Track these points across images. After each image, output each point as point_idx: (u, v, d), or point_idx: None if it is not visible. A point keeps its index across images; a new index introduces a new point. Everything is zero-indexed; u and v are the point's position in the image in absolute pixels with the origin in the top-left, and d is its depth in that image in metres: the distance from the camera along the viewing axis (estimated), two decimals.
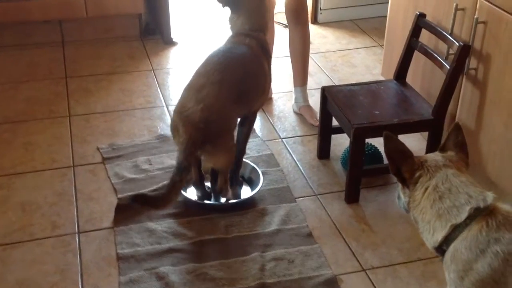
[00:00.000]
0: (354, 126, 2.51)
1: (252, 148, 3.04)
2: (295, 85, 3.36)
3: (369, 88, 2.80)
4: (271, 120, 3.31)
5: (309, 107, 3.31)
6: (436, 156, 1.72)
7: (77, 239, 2.44)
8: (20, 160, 2.91)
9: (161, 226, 2.50)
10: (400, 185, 1.76)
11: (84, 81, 3.65)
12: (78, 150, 2.99)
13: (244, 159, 2.80)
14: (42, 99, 3.43)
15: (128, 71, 3.78)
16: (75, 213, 2.57)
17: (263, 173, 2.82)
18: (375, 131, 2.56)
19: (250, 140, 3.07)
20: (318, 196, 2.72)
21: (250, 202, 2.64)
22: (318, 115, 3.07)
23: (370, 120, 2.55)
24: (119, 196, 2.62)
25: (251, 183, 2.76)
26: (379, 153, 2.83)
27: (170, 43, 4.13)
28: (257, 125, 3.26)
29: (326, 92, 2.78)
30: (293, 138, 3.15)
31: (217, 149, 2.38)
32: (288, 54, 3.39)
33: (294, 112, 3.38)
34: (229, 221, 2.53)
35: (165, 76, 3.74)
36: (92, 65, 3.83)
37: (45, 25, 4.03)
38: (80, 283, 2.25)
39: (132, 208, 2.56)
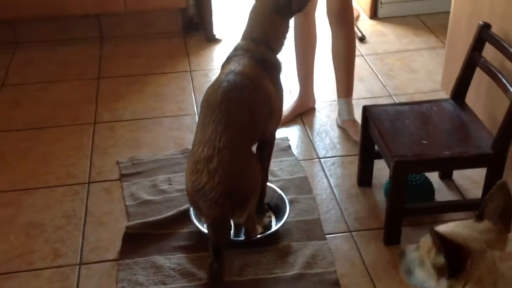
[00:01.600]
0: (395, 158, 2.13)
1: (284, 169, 2.71)
2: (338, 96, 2.99)
3: (419, 109, 2.40)
4: (310, 135, 2.96)
5: (354, 121, 2.94)
6: (472, 232, 1.34)
7: (77, 272, 2.21)
8: (35, 173, 2.71)
9: (170, 261, 2.23)
10: (435, 275, 1.38)
11: (116, 82, 3.43)
12: (97, 164, 2.77)
13: (271, 184, 2.50)
14: (69, 103, 3.23)
15: (164, 72, 3.53)
16: (81, 240, 2.35)
17: (293, 201, 2.50)
18: (420, 166, 2.18)
19: (283, 159, 2.78)
20: (352, 233, 2.37)
21: (273, 237, 2.33)
22: None
23: (415, 151, 2.17)
24: (128, 224, 2.37)
25: (278, 211, 2.45)
26: (430, 184, 2.44)
27: (212, 40, 3.84)
28: (294, 140, 2.92)
29: (368, 113, 2.41)
30: (332, 159, 2.80)
31: (247, 208, 2.13)
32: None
33: (338, 126, 3.02)
34: (246, 260, 2.23)
35: (202, 79, 3.45)
36: (127, 65, 3.60)
37: (83, 20, 3.83)
38: None
39: (140, 238, 2.32)
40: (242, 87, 2.09)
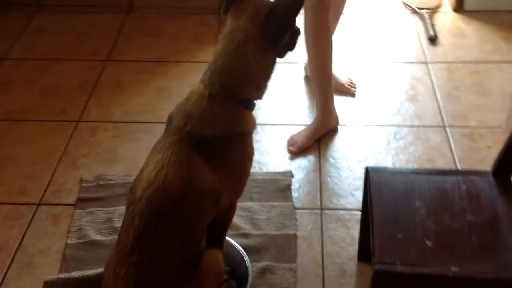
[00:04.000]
0: (376, 265, 1.51)
1: (272, 219, 2.14)
2: None
3: (441, 184, 1.72)
4: (321, 171, 2.34)
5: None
6: None
7: None
8: None
9: None
10: None
11: (123, 68, 2.96)
12: (58, 178, 2.34)
13: (239, 247, 1.96)
14: (61, 91, 2.81)
15: (181, 61, 3.00)
16: None
17: (265, 271, 1.96)
18: (412, 282, 1.53)
19: (276, 204, 2.23)
20: None
21: None
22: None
23: (409, 258, 1.52)
24: (47, 278, 1.93)
25: (243, 282, 1.91)
26: None
27: None
28: (300, 176, 2.32)
29: (371, 177, 1.77)
30: (338, 212, 2.18)
31: None
32: None
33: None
34: None
35: None
36: (145, 46, 3.11)
37: None
38: None
39: None
40: (161, 221, 1.49)
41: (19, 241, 2.10)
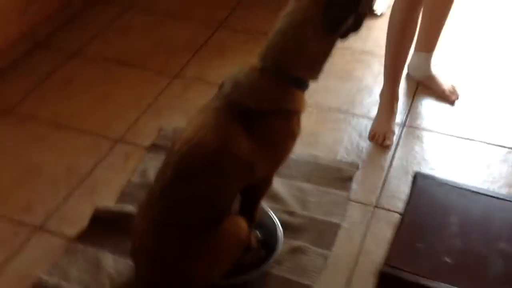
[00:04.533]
0: (384, 268, 1.48)
1: (322, 205, 2.14)
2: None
3: (487, 206, 1.63)
4: (392, 171, 2.26)
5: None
6: None
7: (28, 235, 2.04)
8: (82, 110, 2.57)
9: (114, 264, 1.92)
10: None
11: (232, 36, 3.07)
12: (141, 123, 2.51)
13: (276, 219, 1.98)
14: (170, 45, 2.99)
15: None
16: (60, 201, 2.15)
17: (297, 250, 1.98)
18: None
19: (331, 191, 2.22)
20: None
21: None
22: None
23: (419, 269, 1.47)
24: (98, 206, 2.10)
25: (271, 250, 1.94)
26: None
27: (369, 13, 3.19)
28: (366, 170, 2.28)
29: (417, 183, 1.71)
30: (391, 213, 2.10)
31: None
32: None
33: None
34: None
35: None
36: (260, 17, 3.16)
37: None
38: None
39: (106, 225, 2.05)
40: (190, 176, 1.57)
41: (90, 169, 2.30)
